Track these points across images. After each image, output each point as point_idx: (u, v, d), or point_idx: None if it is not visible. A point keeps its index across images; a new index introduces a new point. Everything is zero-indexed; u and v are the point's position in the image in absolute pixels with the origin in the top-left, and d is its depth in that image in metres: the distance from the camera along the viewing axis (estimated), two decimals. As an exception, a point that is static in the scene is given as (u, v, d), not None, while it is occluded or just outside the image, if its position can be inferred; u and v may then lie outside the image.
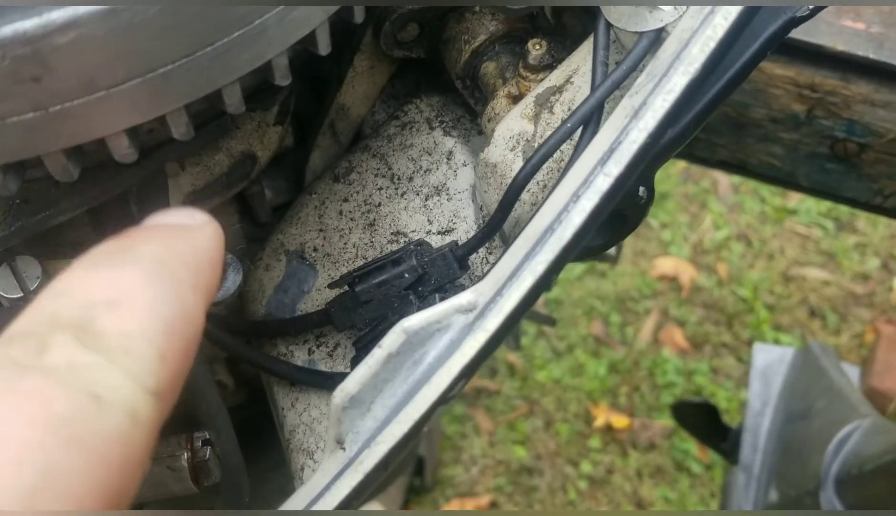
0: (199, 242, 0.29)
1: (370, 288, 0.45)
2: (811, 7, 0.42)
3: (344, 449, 0.37)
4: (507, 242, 0.47)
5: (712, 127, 0.87)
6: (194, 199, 0.50)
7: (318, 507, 0.35)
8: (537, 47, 0.46)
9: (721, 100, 0.43)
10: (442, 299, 0.43)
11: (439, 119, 0.53)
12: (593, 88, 0.40)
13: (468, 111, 0.54)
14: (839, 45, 0.77)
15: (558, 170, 0.44)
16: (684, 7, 0.38)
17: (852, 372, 1.42)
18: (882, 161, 0.83)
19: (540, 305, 2.16)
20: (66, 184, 0.40)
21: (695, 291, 2.25)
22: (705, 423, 1.52)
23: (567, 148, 0.42)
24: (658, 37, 0.38)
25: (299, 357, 0.51)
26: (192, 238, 0.29)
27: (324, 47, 0.38)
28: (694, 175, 2.42)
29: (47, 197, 0.40)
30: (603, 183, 0.33)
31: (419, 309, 0.41)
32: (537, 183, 0.44)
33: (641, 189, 0.45)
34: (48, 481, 0.21)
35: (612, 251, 0.95)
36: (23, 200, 0.39)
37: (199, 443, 0.41)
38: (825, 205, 2.33)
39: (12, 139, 0.32)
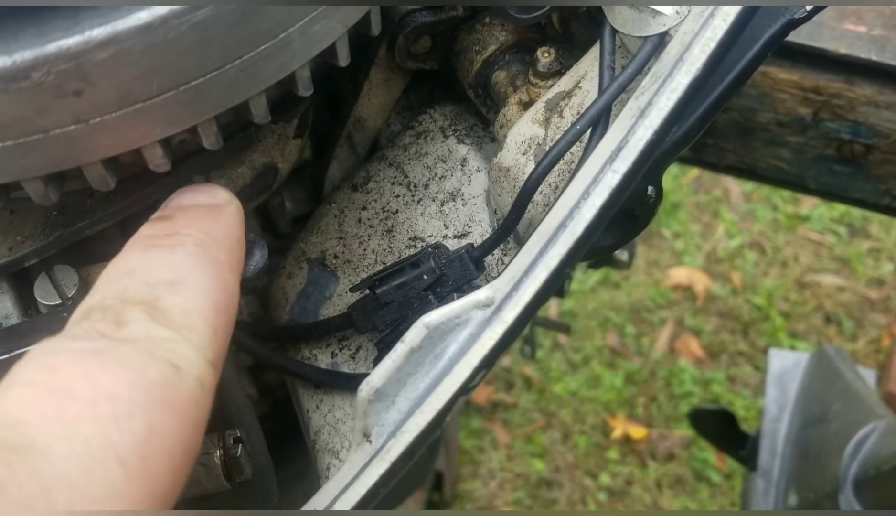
0: (228, 223, 0.34)
1: (390, 290, 0.47)
2: (809, 8, 0.44)
3: (370, 441, 0.39)
4: (521, 243, 0.48)
5: (720, 132, 0.88)
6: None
7: (345, 498, 0.37)
8: (546, 55, 0.48)
9: (724, 100, 0.45)
10: (460, 297, 0.44)
11: (453, 128, 0.55)
12: (601, 92, 0.41)
13: (481, 119, 0.56)
14: (842, 48, 0.78)
15: (569, 172, 0.45)
16: (686, 10, 0.40)
17: (868, 375, 1.42)
18: (889, 161, 0.84)
19: (554, 316, 2.17)
20: (101, 195, 0.42)
21: (709, 300, 2.25)
22: (723, 430, 1.53)
23: (577, 150, 0.44)
24: (662, 41, 0.40)
25: (323, 360, 0.52)
26: (222, 219, 0.34)
27: (343, 59, 0.40)
28: (705, 184, 2.43)
29: (83, 207, 0.42)
30: (612, 179, 0.35)
31: (438, 308, 0.43)
32: (549, 185, 0.46)
33: (650, 188, 0.46)
34: (152, 435, 0.24)
35: (624, 257, 0.96)
36: (59, 211, 0.41)
37: (231, 441, 0.42)
38: (838, 211, 2.33)
39: (55, 151, 0.34)
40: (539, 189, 0.45)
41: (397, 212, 0.54)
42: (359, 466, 0.38)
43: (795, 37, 0.80)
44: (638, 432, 2.08)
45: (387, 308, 0.47)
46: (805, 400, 1.38)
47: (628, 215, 0.48)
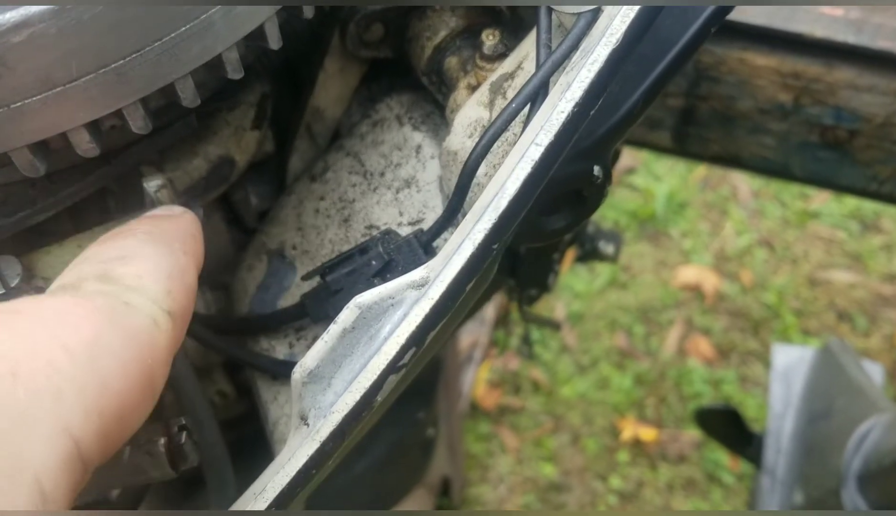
0: (181, 223, 0.37)
1: (340, 277, 0.47)
2: (750, -20, 0.43)
3: (308, 424, 0.38)
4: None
5: (701, 121, 0.87)
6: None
7: (278, 479, 0.36)
8: (491, 38, 0.48)
9: (669, 76, 0.44)
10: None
11: (409, 115, 0.55)
12: (537, 68, 0.41)
13: (438, 107, 0.56)
14: (818, 31, 0.77)
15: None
16: (617, -16, 0.39)
17: (876, 369, 1.39)
18: (873, 146, 0.82)
19: (562, 317, 2.16)
20: (43, 186, 0.43)
21: (719, 299, 2.22)
22: (729, 429, 1.51)
23: (521, 129, 0.44)
24: (595, 16, 0.40)
25: (280, 351, 0.52)
26: (174, 220, 0.37)
27: (274, 42, 0.40)
28: (713, 182, 2.41)
29: (25, 197, 0.42)
30: (534, 152, 0.34)
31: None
32: (493, 165, 0.45)
33: (596, 168, 0.46)
34: (101, 348, 0.28)
35: (609, 250, 0.95)
36: (1, 202, 0.42)
37: (176, 429, 0.42)
38: (848, 206, 2.30)
39: (-22, 137, 0.34)
40: (483, 170, 0.44)
41: (353, 201, 0.54)
42: (294, 449, 0.37)
43: (771, 21, 0.79)
44: (648, 434, 2.05)
45: (337, 295, 0.47)
46: (810, 396, 1.36)
47: (577, 196, 0.48)
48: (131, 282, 0.31)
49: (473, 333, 2.14)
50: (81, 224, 0.47)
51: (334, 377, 0.38)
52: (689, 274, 2.26)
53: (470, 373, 2.11)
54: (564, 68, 0.40)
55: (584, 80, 0.34)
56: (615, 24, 0.34)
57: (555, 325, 1.40)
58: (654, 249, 2.32)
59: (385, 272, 0.46)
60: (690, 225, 2.34)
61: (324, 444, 0.36)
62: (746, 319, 2.18)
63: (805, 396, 1.37)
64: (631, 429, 2.06)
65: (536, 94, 0.40)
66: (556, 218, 0.48)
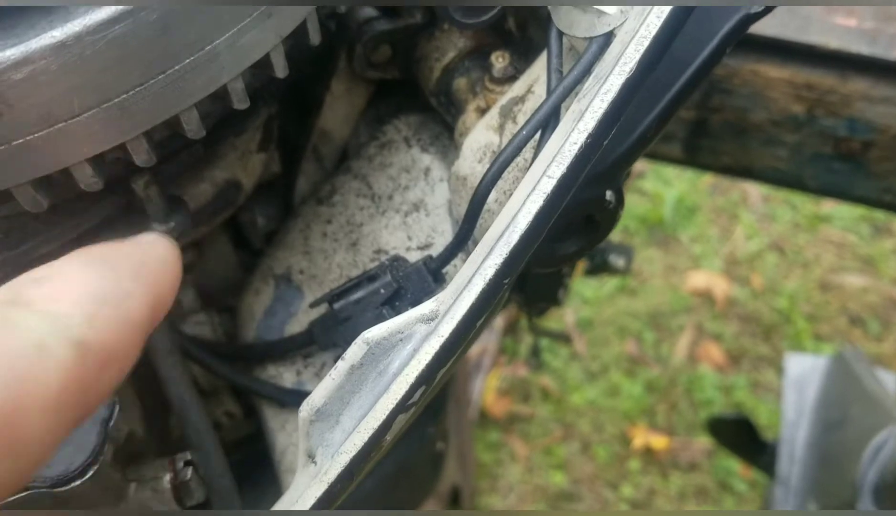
0: (146, 245, 0.30)
1: (348, 305, 0.46)
2: (766, 4, 0.42)
3: (315, 462, 0.38)
4: (481, 253, 0.47)
5: (713, 133, 0.86)
6: (181, 228, 0.51)
7: (287, 520, 0.36)
8: (500, 60, 0.47)
9: (682, 99, 0.43)
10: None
11: (417, 137, 0.54)
12: (548, 94, 0.40)
13: (447, 128, 0.55)
14: (832, 42, 0.76)
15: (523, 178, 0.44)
16: (629, 9, 0.38)
17: (889, 378, 1.37)
18: (888, 158, 0.81)
19: (571, 325, 2.15)
20: (46, 217, 0.42)
21: (729, 304, 2.21)
22: (742, 438, 1.49)
23: (532, 156, 0.43)
24: (608, 41, 0.39)
25: (288, 378, 0.51)
26: (138, 242, 0.30)
27: (280, 70, 0.39)
28: (722, 187, 2.39)
29: (27, 230, 0.41)
30: (546, 185, 0.33)
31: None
32: (504, 192, 0.44)
33: (609, 193, 0.45)
34: None
35: (620, 263, 0.94)
36: (4, 234, 0.41)
37: (181, 464, 0.42)
38: (859, 210, 2.28)
39: (-21, 174, 0.34)
40: (493, 197, 0.43)
41: (362, 224, 0.53)
42: (303, 489, 0.37)
43: (784, 32, 0.78)
44: (659, 441, 2.04)
45: (346, 323, 0.46)
46: (823, 404, 1.34)
47: (590, 221, 0.47)
48: (41, 304, 0.25)
49: (482, 341, 2.13)
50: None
51: (342, 414, 0.37)
52: (700, 279, 2.24)
53: (479, 380, 2.10)
54: (577, 94, 0.39)
55: (597, 110, 0.33)
56: (629, 52, 0.33)
57: (565, 338, 1.38)
58: (663, 254, 2.30)
59: (394, 300, 0.45)
60: (700, 229, 2.32)
61: (332, 486, 0.35)
62: (757, 324, 2.16)
63: (819, 405, 1.35)
64: (642, 437, 2.04)
65: (548, 121, 0.40)
66: (568, 243, 0.47)
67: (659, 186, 2.42)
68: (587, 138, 0.33)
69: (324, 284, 0.53)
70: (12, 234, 0.41)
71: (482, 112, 0.48)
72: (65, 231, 0.42)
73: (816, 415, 1.32)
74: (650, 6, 0.36)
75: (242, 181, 0.55)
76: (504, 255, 0.33)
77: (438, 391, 0.47)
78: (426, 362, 0.34)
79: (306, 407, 0.37)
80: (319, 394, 0.37)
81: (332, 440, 0.37)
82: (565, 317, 2.19)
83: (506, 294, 0.39)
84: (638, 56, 0.33)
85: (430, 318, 0.37)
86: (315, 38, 0.40)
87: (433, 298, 0.37)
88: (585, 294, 2.23)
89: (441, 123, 0.56)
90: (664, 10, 0.34)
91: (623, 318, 2.22)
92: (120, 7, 0.31)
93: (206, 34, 0.34)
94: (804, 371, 1.39)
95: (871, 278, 2.18)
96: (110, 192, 0.42)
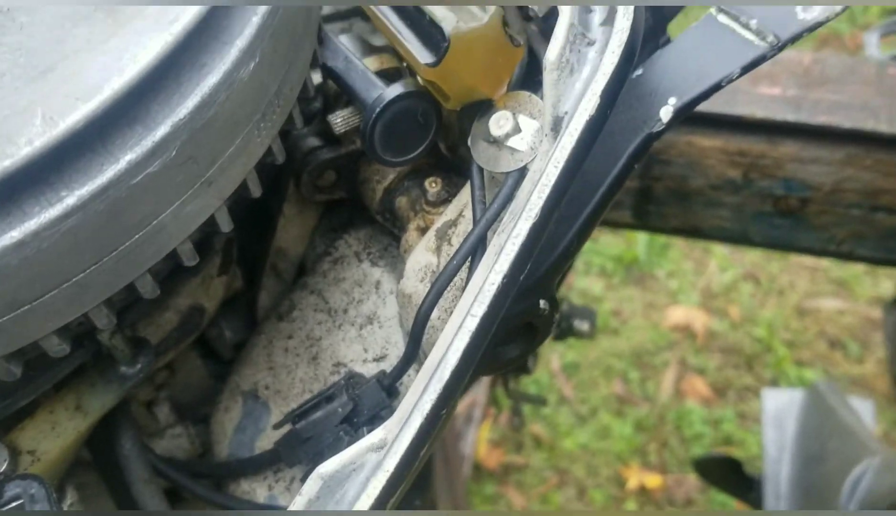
0: None
1: (309, 425, 0.49)
2: (666, 122, 0.46)
3: (283, 588, 0.40)
4: (431, 364, 0.50)
5: (659, 199, 0.90)
6: (149, 358, 0.54)
7: None
8: (433, 185, 0.51)
9: (598, 215, 0.47)
10: (370, 432, 0.46)
11: (367, 251, 0.58)
12: (474, 224, 0.44)
13: (394, 238, 0.59)
14: (758, 112, 0.81)
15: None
16: (539, 144, 0.42)
17: (865, 406, 1.41)
18: (826, 212, 0.86)
19: (557, 368, 2.17)
20: (23, 373, 0.45)
21: (710, 337, 2.24)
22: (730, 476, 1.51)
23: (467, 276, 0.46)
24: (522, 174, 0.43)
25: (261, 493, 0.54)
26: None
27: (224, 226, 0.43)
28: (693, 222, 2.44)
29: (5, 388, 0.44)
30: (471, 323, 0.37)
31: (350, 443, 0.45)
32: (445, 309, 0.48)
33: (542, 301, 0.48)
34: None
35: (585, 327, 0.98)
36: (-19, 394, 0.44)
37: None
38: (828, 233, 2.33)
39: (-48, 356, 0.37)
40: (436, 314, 0.47)
41: (320, 338, 0.56)
42: None
43: (712, 106, 0.83)
44: (653, 480, 2.05)
45: (308, 442, 0.49)
46: (803, 439, 1.37)
47: (529, 327, 0.50)
48: None
49: (470, 393, 2.15)
50: (58, 387, 0.50)
51: (305, 542, 0.40)
52: (679, 314, 2.28)
53: (471, 433, 2.11)
54: (500, 221, 0.43)
55: (509, 253, 0.37)
56: (533, 200, 0.37)
57: (540, 401, 1.41)
58: (641, 292, 2.34)
59: (352, 417, 0.49)
60: (675, 265, 2.37)
61: None
62: (739, 355, 2.19)
63: (798, 439, 1.38)
64: (636, 477, 2.05)
65: (475, 249, 0.43)
66: (510, 348, 0.50)
67: (632, 226, 2.47)
68: (503, 279, 0.37)
69: (288, 399, 0.56)
70: (-12, 394, 0.44)
71: (422, 231, 0.52)
72: (39, 386, 0.45)
73: (797, 450, 1.35)
74: (555, 147, 0.40)
75: (206, 305, 0.58)
76: (438, 391, 0.37)
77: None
78: (376, 495, 0.37)
79: (269, 541, 0.40)
80: (281, 528, 0.39)
81: (296, 568, 0.40)
82: (551, 363, 2.22)
83: (449, 418, 0.42)
84: (541, 203, 0.37)
85: (380, 447, 0.40)
86: (256, 191, 0.44)
87: (382, 427, 0.40)
88: (569, 338, 2.26)
89: (388, 234, 0.59)
90: (559, 160, 0.38)
91: (608, 359, 2.24)
92: (71, 201, 0.35)
93: (151, 211, 0.38)
94: (781, 406, 1.42)
95: (846, 301, 2.23)
96: (79, 346, 0.45)
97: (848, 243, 0.88)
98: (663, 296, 2.33)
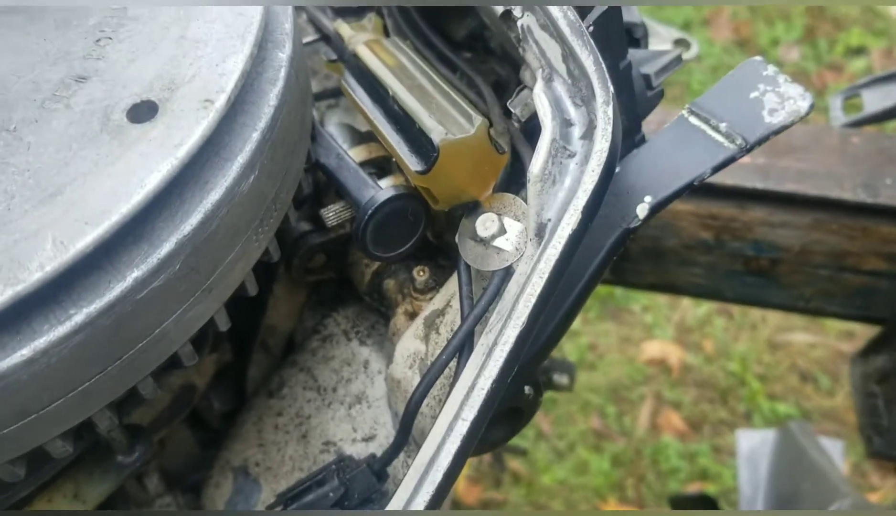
0: None
1: (301, 508, 0.50)
2: (642, 218, 0.49)
3: None
4: (418, 446, 0.52)
5: (634, 257, 0.93)
6: (143, 439, 0.55)
7: None
8: (421, 274, 0.53)
9: (577, 308, 0.49)
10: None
11: (355, 329, 0.60)
12: (462, 320, 0.46)
13: (381, 315, 0.61)
14: (728, 179, 0.84)
15: (450, 384, 0.49)
16: (523, 248, 0.45)
17: (836, 446, 1.44)
18: (796, 271, 0.89)
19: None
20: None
21: (685, 371, 2.28)
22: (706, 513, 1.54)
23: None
24: (508, 273, 0.45)
25: (252, 571, 0.55)
26: None
27: (223, 325, 0.44)
28: (667, 256, 2.48)
29: (5, 483, 0.45)
30: (462, 427, 0.39)
31: None
32: (434, 397, 0.50)
33: (527, 388, 0.51)
34: None
35: (564, 380, 1.00)
36: (-19, 489, 0.45)
37: None
38: (798, 268, 2.38)
39: (-41, 464, 0.38)
40: (425, 402, 0.49)
41: (310, 416, 0.58)
42: None
43: (685, 173, 0.86)
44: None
45: (300, 524, 0.51)
46: (776, 479, 1.40)
47: (514, 411, 0.52)
48: None
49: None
50: (56, 476, 0.51)
51: None
52: (654, 348, 2.31)
53: (450, 470, 2.12)
54: (487, 321, 0.45)
55: (498, 358, 0.39)
56: (519, 308, 0.40)
57: (521, 452, 1.43)
58: (617, 326, 2.38)
59: (343, 500, 0.50)
60: (650, 299, 2.40)
61: None
62: (714, 389, 2.23)
63: (771, 479, 1.41)
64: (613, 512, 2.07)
65: (463, 346, 0.45)
66: (496, 430, 0.52)
67: (607, 260, 2.51)
68: (492, 383, 0.39)
69: (279, 476, 0.57)
70: (-11, 488, 0.45)
71: (410, 316, 0.54)
72: (39, 477, 0.46)
73: (770, 490, 1.38)
74: (540, 256, 0.42)
75: (197, 383, 0.59)
76: (431, 493, 0.39)
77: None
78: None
79: None
80: None
81: None
82: (529, 398, 2.23)
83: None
84: (528, 311, 0.39)
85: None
86: (253, 290, 0.46)
87: (373, 519, 0.42)
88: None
89: (375, 311, 0.61)
90: (544, 273, 0.40)
91: (585, 394, 2.27)
92: (79, 319, 0.36)
93: (155, 321, 0.40)
94: (755, 446, 1.45)
95: (816, 335, 2.28)
96: (78, 438, 0.46)
97: (816, 300, 0.92)
98: (639, 330, 2.36)
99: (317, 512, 0.50)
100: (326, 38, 0.62)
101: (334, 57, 0.60)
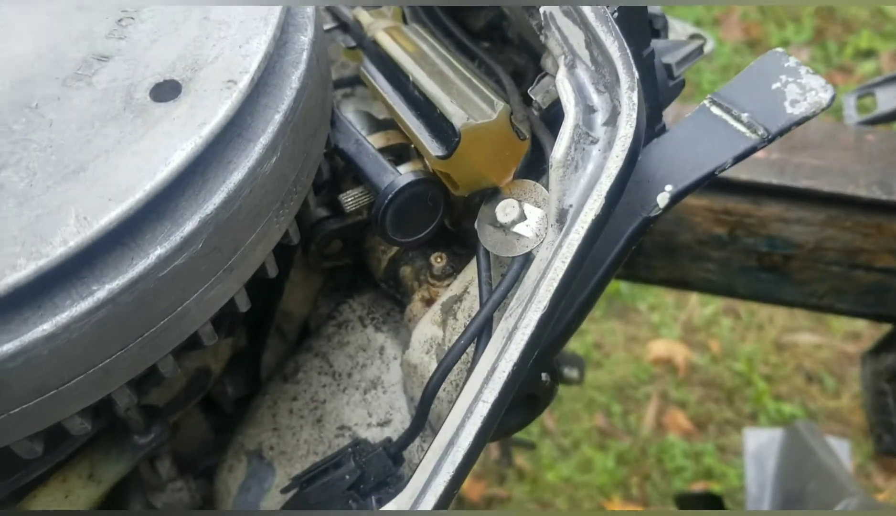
0: None
1: (316, 490, 0.50)
2: (663, 207, 0.49)
3: None
4: (435, 432, 0.52)
5: (647, 251, 0.93)
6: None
7: None
8: (438, 260, 0.53)
9: (596, 296, 0.49)
10: (378, 501, 0.48)
11: (371, 316, 0.60)
12: (481, 306, 0.46)
13: (397, 302, 0.61)
14: (744, 174, 0.84)
15: (467, 369, 0.49)
16: (544, 234, 0.44)
17: (842, 446, 1.44)
18: (808, 268, 0.89)
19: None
20: (36, 446, 0.46)
21: (691, 371, 2.27)
22: (711, 512, 1.53)
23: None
24: (527, 259, 0.45)
25: (265, 554, 0.55)
26: None
27: (243, 307, 0.44)
28: (675, 255, 2.48)
29: (19, 461, 0.45)
30: (482, 409, 0.39)
31: (358, 509, 0.46)
32: (451, 382, 0.50)
33: (544, 374, 0.51)
34: None
35: (574, 375, 1.00)
36: (-2, 467, 0.45)
37: None
38: (806, 269, 2.38)
39: (-22, 439, 0.38)
40: (442, 387, 0.49)
41: (325, 401, 0.58)
42: None
43: (700, 167, 0.85)
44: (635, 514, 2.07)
45: (316, 507, 0.51)
46: (783, 478, 1.40)
47: (531, 397, 0.52)
48: None
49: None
50: (72, 454, 0.51)
51: None
52: (660, 347, 2.31)
53: (454, 465, 2.12)
54: (506, 307, 0.45)
55: (519, 342, 0.39)
56: (541, 292, 0.40)
57: (529, 445, 1.43)
58: (624, 325, 2.37)
59: (359, 483, 0.50)
60: (657, 298, 2.40)
61: None
62: (720, 389, 2.23)
63: (778, 478, 1.41)
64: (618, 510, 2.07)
65: (481, 331, 0.45)
66: (512, 416, 0.52)
67: (615, 259, 2.50)
68: (514, 366, 0.39)
69: (293, 460, 0.57)
70: (4, 465, 0.45)
71: (427, 302, 0.54)
72: (52, 458, 0.46)
73: (777, 489, 1.38)
74: (562, 241, 0.42)
75: (212, 367, 0.59)
76: (451, 473, 0.39)
77: None
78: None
79: None
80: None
81: None
82: (534, 395, 2.23)
83: (456, 494, 0.43)
84: (549, 295, 0.39)
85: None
86: (273, 272, 0.46)
87: (394, 501, 0.42)
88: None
89: (391, 298, 0.61)
90: (567, 257, 0.40)
91: (590, 392, 2.27)
92: (101, 295, 0.36)
93: (177, 299, 0.40)
94: (762, 445, 1.44)
95: (822, 336, 2.27)
96: (96, 416, 0.46)
97: (828, 297, 0.92)
98: (645, 329, 2.36)
99: (317, 511, 0.50)
100: (345, 25, 0.62)
101: (353, 44, 0.60)
